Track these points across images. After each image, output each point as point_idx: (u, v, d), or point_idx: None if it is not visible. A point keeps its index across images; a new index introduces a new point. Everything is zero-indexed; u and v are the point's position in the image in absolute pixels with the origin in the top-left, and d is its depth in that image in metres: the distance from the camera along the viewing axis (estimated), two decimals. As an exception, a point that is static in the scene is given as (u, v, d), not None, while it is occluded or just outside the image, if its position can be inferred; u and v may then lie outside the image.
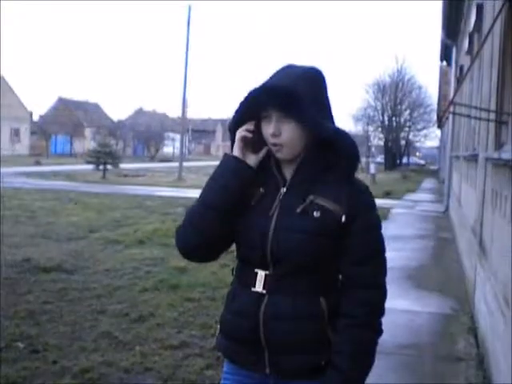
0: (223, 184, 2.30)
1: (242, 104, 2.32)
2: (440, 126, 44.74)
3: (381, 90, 75.00)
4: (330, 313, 2.29)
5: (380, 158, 77.59)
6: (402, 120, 76.04)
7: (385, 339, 6.48)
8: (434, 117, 57.85)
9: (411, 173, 54.21)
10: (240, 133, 2.34)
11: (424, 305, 8.16)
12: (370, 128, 76.85)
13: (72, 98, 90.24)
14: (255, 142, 2.34)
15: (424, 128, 76.39)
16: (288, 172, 2.37)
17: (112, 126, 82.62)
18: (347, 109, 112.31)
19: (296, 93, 2.21)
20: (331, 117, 2.36)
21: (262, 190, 2.36)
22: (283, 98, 2.21)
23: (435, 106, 50.44)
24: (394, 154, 75.63)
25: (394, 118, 74.69)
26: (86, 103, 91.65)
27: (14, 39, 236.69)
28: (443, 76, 27.97)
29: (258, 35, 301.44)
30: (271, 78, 2.31)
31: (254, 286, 2.32)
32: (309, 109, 2.23)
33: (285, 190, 2.34)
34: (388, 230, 16.08)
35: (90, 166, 35.25)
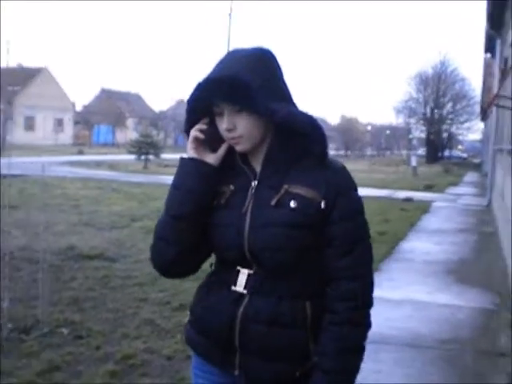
0: (186, 189, 2.15)
1: (189, 102, 2.17)
2: (483, 118, 44.23)
3: (423, 81, 74.29)
4: (314, 320, 2.12)
5: (421, 151, 76.90)
6: (445, 112, 75.22)
7: (424, 333, 6.54)
8: (477, 109, 57.04)
9: (453, 166, 53.56)
10: (192, 133, 2.18)
11: (465, 299, 8.08)
12: (412, 120, 76.28)
13: (114, 88, 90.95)
14: (213, 139, 2.18)
15: (467, 121, 75.43)
16: (257, 163, 2.20)
17: (154, 117, 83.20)
18: (389, 101, 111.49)
19: (240, 81, 2.02)
20: (288, 98, 2.16)
21: (231, 187, 2.19)
22: (229, 89, 2.02)
23: (479, 99, 49.83)
24: (436, 146, 74.81)
25: (436, 111, 73.93)
26: (128, 94, 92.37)
27: (58, 31, 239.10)
28: (487, 68, 27.64)
29: (299, 30, 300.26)
30: (215, 68, 2.12)
31: (235, 285, 2.16)
32: (257, 95, 2.03)
33: (256, 182, 2.17)
34: (429, 223, 15.99)
35: (132, 156, 35.44)
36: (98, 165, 34.48)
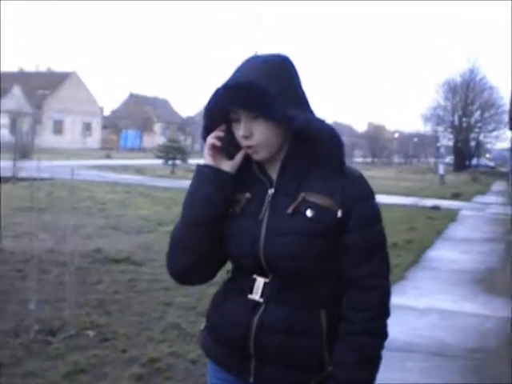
0: (200, 196, 2.13)
1: (207, 108, 2.15)
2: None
3: (451, 89, 74.07)
4: (330, 329, 2.10)
5: (449, 159, 76.48)
6: (473, 120, 74.93)
7: (451, 342, 6.49)
8: (506, 118, 56.55)
9: (481, 175, 53.23)
10: (208, 140, 2.16)
11: (492, 309, 8.02)
12: (440, 128, 75.96)
13: (142, 93, 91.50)
14: (230, 146, 2.15)
15: (495, 129, 75.01)
16: (273, 171, 2.17)
17: (181, 122, 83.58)
18: (417, 108, 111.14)
19: (257, 87, 2.01)
20: (306, 105, 2.14)
21: (248, 195, 2.16)
22: (246, 96, 2.01)
23: (507, 107, 49.41)
24: (464, 155, 74.43)
25: (464, 119, 73.63)
26: (156, 99, 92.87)
27: (88, 35, 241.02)
28: (517, 76, 27.42)
29: (328, 37, 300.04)
30: (233, 75, 2.10)
31: (251, 293, 2.14)
32: (274, 102, 2.01)
33: (273, 190, 2.15)
34: (456, 232, 15.90)
35: (160, 161, 35.52)
36: (126, 169, 34.65)
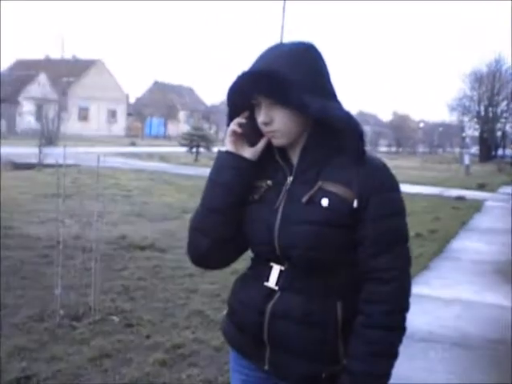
0: (220, 182, 2.16)
1: (229, 95, 2.15)
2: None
3: (478, 79, 73.46)
4: (345, 321, 2.07)
5: (474, 149, 75.90)
6: (499, 111, 74.26)
7: (472, 332, 6.48)
8: (533, 108, 56.15)
9: (506, 165, 52.67)
10: (230, 126, 2.17)
11: (516, 300, 7.98)
12: (466, 118, 75.46)
13: (167, 81, 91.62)
14: (253, 134, 2.16)
15: (522, 119, 74.33)
16: (295, 159, 2.16)
17: (205, 110, 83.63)
18: (442, 98, 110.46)
19: (277, 74, 2.00)
20: (331, 94, 2.11)
21: (269, 182, 2.16)
22: (266, 83, 2.01)
23: (534, 98, 49.04)
24: (490, 145, 73.83)
25: (490, 109, 73.05)
26: (181, 87, 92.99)
27: (113, 23, 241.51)
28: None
29: (353, 27, 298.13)
30: (256, 61, 2.09)
31: (267, 281, 2.15)
32: (292, 89, 1.99)
33: (291, 178, 2.13)
34: (481, 222, 15.80)
35: (184, 149, 35.49)
36: (150, 156, 34.77)
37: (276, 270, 2.14)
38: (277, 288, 2.13)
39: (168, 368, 4.95)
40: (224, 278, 7.12)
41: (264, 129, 2.10)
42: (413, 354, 5.53)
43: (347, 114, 2.06)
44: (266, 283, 2.16)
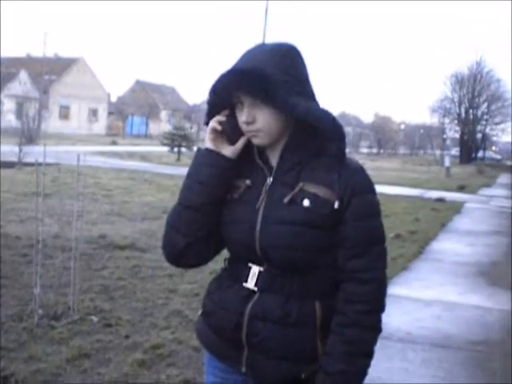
0: (199, 180, 2.13)
1: (211, 93, 2.13)
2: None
3: (459, 81, 73.99)
4: (324, 320, 2.09)
5: (455, 151, 76.36)
6: (479, 113, 74.85)
7: (454, 334, 6.50)
8: (512, 111, 56.59)
9: (487, 167, 53.13)
10: (210, 124, 2.15)
11: (496, 302, 8.02)
12: (446, 120, 75.95)
13: (149, 80, 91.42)
14: (233, 132, 2.14)
15: (501, 122, 75.08)
16: (274, 159, 2.17)
17: (187, 110, 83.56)
18: (424, 100, 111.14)
19: (264, 74, 2.00)
20: (311, 95, 2.12)
21: (248, 182, 2.16)
22: (250, 81, 2.00)
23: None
24: (470, 147, 74.30)
25: (470, 111, 73.56)
26: (163, 86, 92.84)
27: (95, 21, 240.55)
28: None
29: (334, 27, 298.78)
30: (239, 60, 2.10)
31: (246, 282, 2.14)
32: (277, 89, 2.00)
33: (271, 179, 2.14)
34: (461, 224, 15.88)
35: (165, 148, 35.42)
36: (131, 156, 34.66)
37: (255, 270, 2.13)
38: (256, 289, 2.12)
39: (147, 368, 4.93)
40: (203, 278, 7.12)
41: (246, 128, 2.09)
42: (391, 355, 5.55)
43: (331, 116, 2.07)
44: (244, 284, 2.15)
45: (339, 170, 2.09)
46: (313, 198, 2.06)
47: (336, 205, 2.05)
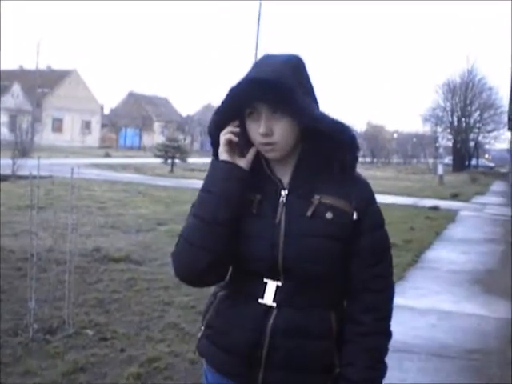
0: (220, 193, 2.04)
1: (225, 102, 2.05)
2: (511, 127, 43.90)
3: (451, 90, 74.20)
4: (338, 330, 2.10)
5: (448, 159, 76.56)
6: (472, 121, 75.05)
7: (450, 343, 6.49)
8: (505, 118, 56.71)
9: (480, 175, 53.22)
10: (225, 135, 2.06)
11: (491, 310, 8.03)
12: (439, 128, 76.15)
13: (142, 92, 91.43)
14: (243, 143, 2.09)
15: (494, 130, 75.28)
16: (282, 172, 2.13)
17: (181, 121, 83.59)
18: (416, 109, 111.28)
19: (288, 84, 1.96)
20: (318, 105, 2.10)
21: (258, 196, 2.10)
22: (273, 91, 1.95)
23: (506, 108, 49.54)
24: (463, 155, 74.48)
25: (463, 119, 73.79)
26: (156, 98, 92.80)
27: (88, 33, 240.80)
28: (516, 77, 27.42)
29: (327, 36, 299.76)
30: (253, 70, 2.04)
31: (262, 298, 2.08)
32: (302, 101, 1.98)
33: (286, 192, 2.10)
34: (455, 232, 15.92)
35: (159, 160, 35.46)
36: (125, 168, 34.62)
37: (272, 286, 2.08)
38: (274, 305, 2.07)
39: (143, 382, 4.92)
40: (199, 291, 7.07)
41: (262, 140, 2.04)
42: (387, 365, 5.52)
43: (351, 131, 2.09)
44: (260, 300, 2.09)
45: (352, 182, 2.12)
46: (334, 210, 2.06)
47: (355, 216, 2.08)
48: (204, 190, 2.09)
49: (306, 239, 2.04)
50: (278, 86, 1.95)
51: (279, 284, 2.08)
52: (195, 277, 2.15)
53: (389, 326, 2.15)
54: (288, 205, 2.09)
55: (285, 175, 2.13)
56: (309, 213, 2.05)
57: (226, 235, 2.05)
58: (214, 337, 2.19)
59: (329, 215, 2.05)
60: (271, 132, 2.02)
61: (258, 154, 2.12)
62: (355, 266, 2.11)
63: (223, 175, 2.06)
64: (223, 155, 2.07)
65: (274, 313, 2.06)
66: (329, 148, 2.08)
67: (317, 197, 2.07)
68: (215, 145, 2.13)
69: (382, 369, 2.12)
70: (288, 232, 2.05)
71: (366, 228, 2.10)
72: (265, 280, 2.09)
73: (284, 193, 2.11)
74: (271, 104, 2.00)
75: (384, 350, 2.13)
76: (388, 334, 2.14)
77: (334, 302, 2.13)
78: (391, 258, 2.20)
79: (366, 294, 2.10)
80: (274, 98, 1.97)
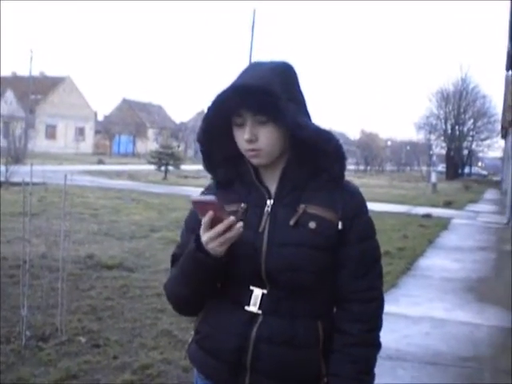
0: (198, 282, 2.07)
1: (210, 109, 2.06)
2: (504, 136, 44.03)
3: (444, 98, 74.26)
4: (325, 340, 2.09)
5: (441, 167, 76.67)
6: (465, 129, 75.10)
7: (443, 351, 6.50)
8: (498, 127, 56.89)
9: (473, 183, 53.32)
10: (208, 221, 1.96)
11: (485, 318, 8.03)
12: (432, 136, 76.16)
13: (136, 99, 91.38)
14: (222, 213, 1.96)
15: (487, 138, 75.34)
16: (270, 181, 2.14)
17: (174, 128, 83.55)
18: (410, 117, 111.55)
19: (272, 91, 1.96)
20: (308, 113, 2.11)
21: (243, 205, 2.11)
22: (258, 98, 1.95)
23: (499, 116, 49.71)
24: (456, 163, 74.56)
25: (456, 127, 73.83)
26: (150, 105, 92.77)
27: (81, 40, 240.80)
28: (508, 86, 27.50)
29: (320, 44, 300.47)
30: (239, 77, 2.05)
31: (248, 305, 2.09)
32: (287, 108, 1.97)
33: (272, 201, 2.11)
34: (448, 240, 15.92)
35: (152, 167, 35.49)
36: (118, 175, 34.58)
37: (257, 293, 2.09)
38: (260, 312, 2.08)
39: (136, 389, 4.91)
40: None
41: (247, 146, 2.05)
42: (380, 373, 5.49)
43: (335, 139, 2.08)
44: (247, 307, 2.09)
45: (339, 192, 2.11)
46: (318, 220, 2.05)
47: (340, 226, 2.06)
48: (179, 268, 2.13)
49: (287, 248, 2.04)
50: (261, 91, 1.96)
51: (265, 292, 2.08)
52: (182, 312, 2.28)
53: (377, 337, 2.13)
54: (273, 214, 2.09)
55: (273, 184, 2.14)
56: (291, 222, 2.05)
57: (200, 292, 2.13)
58: (202, 341, 2.20)
59: (312, 225, 2.04)
60: (256, 138, 2.03)
61: (246, 163, 2.13)
62: (343, 277, 2.10)
63: (195, 265, 2.03)
64: (219, 250, 1.98)
65: (259, 320, 2.07)
66: (315, 157, 2.08)
67: (302, 206, 2.07)
68: (205, 153, 2.17)
69: (368, 381, 2.10)
70: (271, 241, 2.06)
71: (353, 238, 2.08)
72: (251, 288, 2.10)
73: (269, 202, 2.11)
74: (256, 111, 2.00)
75: (372, 362, 2.11)
76: (376, 346, 2.13)
77: (321, 311, 2.12)
78: (381, 268, 2.18)
79: (354, 304, 2.09)
80: (257, 106, 1.98)
